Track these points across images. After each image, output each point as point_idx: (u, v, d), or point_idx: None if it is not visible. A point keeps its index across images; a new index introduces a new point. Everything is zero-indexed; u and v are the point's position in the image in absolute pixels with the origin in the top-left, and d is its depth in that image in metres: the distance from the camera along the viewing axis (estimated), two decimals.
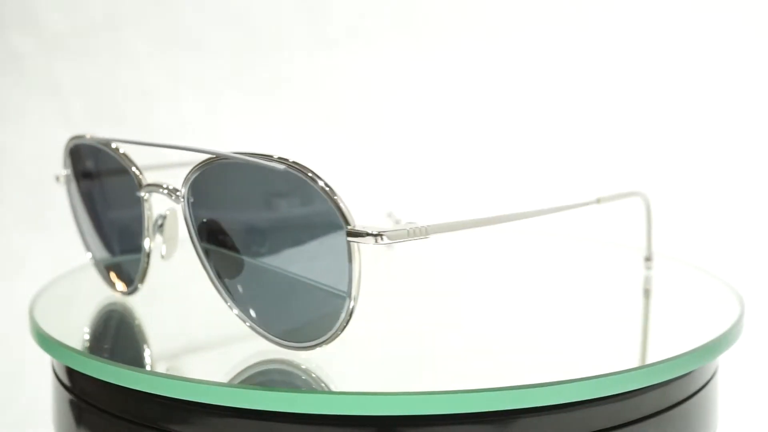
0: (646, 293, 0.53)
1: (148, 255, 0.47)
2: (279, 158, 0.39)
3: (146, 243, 0.47)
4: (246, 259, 0.42)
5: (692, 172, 0.92)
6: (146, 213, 0.46)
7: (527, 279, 0.56)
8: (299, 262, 0.41)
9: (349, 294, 0.39)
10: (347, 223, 0.39)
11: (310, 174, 0.39)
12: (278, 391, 0.38)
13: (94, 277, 0.52)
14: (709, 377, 0.46)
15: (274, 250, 0.41)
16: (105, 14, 0.98)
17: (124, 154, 0.47)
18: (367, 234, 0.38)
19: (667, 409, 0.43)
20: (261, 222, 0.42)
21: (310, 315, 0.41)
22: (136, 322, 0.49)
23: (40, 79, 0.98)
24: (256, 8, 0.97)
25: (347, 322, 0.40)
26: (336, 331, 0.40)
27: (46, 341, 0.45)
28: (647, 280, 0.55)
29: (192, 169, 0.42)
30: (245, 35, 0.97)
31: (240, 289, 0.43)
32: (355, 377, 0.42)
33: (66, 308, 0.51)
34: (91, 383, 0.43)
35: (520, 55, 0.94)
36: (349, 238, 0.39)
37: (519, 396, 0.39)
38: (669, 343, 0.46)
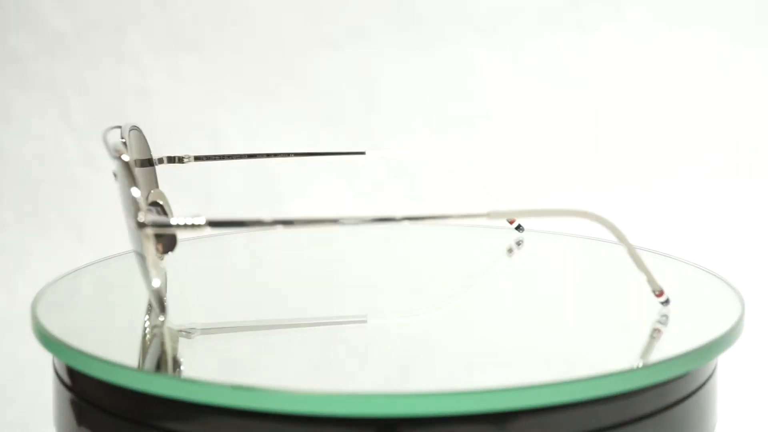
0: (655, 334, 0.47)
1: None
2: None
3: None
4: (134, 239, 0.46)
5: (692, 170, 0.92)
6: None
7: (525, 279, 0.56)
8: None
9: (151, 278, 0.43)
10: (137, 212, 0.42)
11: (134, 168, 0.43)
12: (278, 391, 0.38)
13: (95, 276, 0.52)
14: (707, 376, 0.46)
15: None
16: (106, 14, 0.98)
17: (115, 146, 0.51)
18: (143, 225, 0.42)
19: (666, 408, 0.43)
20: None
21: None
22: (137, 320, 0.49)
23: (40, 79, 0.98)
24: (256, 8, 0.97)
25: (164, 301, 0.44)
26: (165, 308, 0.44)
27: (47, 340, 0.45)
28: (662, 318, 0.48)
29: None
30: (245, 35, 0.97)
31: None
32: (354, 377, 0.42)
33: (67, 307, 0.51)
34: (92, 383, 0.43)
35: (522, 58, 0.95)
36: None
37: (518, 396, 0.39)
38: (669, 342, 0.46)
